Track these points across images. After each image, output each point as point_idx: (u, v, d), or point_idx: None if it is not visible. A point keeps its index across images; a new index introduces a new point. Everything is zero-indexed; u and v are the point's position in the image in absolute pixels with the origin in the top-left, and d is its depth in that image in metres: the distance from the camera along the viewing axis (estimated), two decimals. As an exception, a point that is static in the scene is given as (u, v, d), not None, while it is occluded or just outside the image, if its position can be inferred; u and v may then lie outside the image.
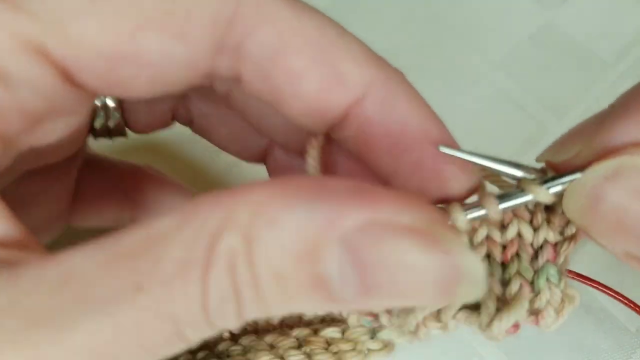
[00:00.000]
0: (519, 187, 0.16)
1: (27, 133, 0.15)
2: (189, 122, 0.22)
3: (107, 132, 0.21)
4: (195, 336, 0.12)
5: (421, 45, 0.37)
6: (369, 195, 0.12)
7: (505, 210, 0.16)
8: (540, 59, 0.36)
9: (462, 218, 0.15)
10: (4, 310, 0.12)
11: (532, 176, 0.16)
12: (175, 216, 0.12)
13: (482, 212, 0.15)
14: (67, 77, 0.14)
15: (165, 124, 0.22)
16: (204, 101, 0.21)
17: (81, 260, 0.12)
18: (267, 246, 0.12)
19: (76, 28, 0.13)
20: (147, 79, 0.14)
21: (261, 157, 0.22)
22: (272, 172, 0.22)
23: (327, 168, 0.18)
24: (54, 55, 0.13)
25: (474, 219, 0.15)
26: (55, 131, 0.15)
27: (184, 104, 0.22)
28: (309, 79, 0.15)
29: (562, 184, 0.15)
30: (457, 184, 0.16)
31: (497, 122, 0.34)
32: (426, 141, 0.16)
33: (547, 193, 0.15)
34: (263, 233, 0.12)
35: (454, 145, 0.17)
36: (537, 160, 0.17)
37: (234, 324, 0.13)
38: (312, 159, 0.17)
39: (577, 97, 0.35)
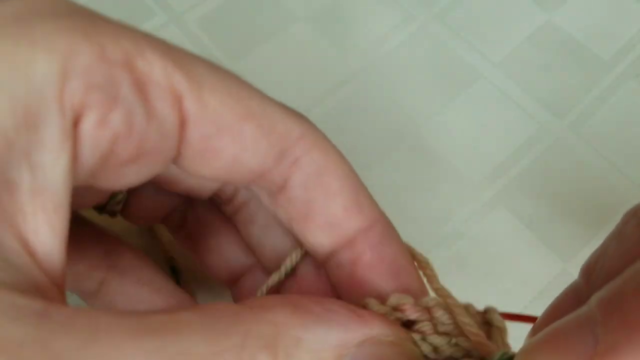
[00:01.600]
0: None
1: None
2: (177, 227, 0.23)
3: (102, 208, 0.22)
4: None
5: (421, 45, 0.37)
6: (362, 317, 0.16)
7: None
8: (540, 59, 0.36)
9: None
10: (29, 346, 0.12)
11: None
12: (196, 313, 0.13)
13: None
14: (181, 126, 0.15)
15: (155, 220, 0.23)
16: (205, 207, 0.23)
17: (108, 327, 0.12)
18: (291, 352, 0.14)
19: (208, 98, 0.15)
20: (235, 157, 0.16)
21: (234, 279, 0.23)
22: (237, 295, 0.23)
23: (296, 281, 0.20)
24: (184, 108, 0.15)
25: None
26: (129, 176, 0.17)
27: (184, 206, 0.23)
28: (340, 197, 0.17)
29: None
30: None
31: (497, 122, 0.34)
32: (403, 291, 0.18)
33: None
34: (289, 350, 0.14)
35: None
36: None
37: None
38: (285, 269, 0.20)
39: (577, 97, 0.35)
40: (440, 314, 0.17)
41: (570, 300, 0.15)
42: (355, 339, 0.16)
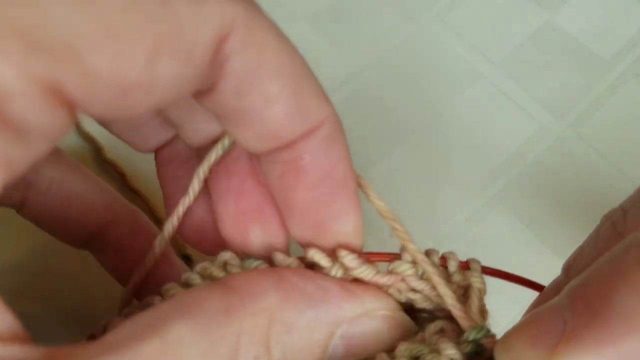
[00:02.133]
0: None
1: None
2: None
3: None
4: None
5: (421, 45, 0.37)
6: (355, 293, 0.16)
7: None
8: (540, 59, 0.36)
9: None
10: None
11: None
12: (188, 323, 0.13)
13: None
14: (73, 109, 0.13)
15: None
16: None
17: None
18: (286, 349, 0.14)
19: (92, 61, 0.12)
20: (154, 102, 0.14)
21: (156, 149, 0.22)
22: (160, 163, 0.21)
23: (224, 175, 0.19)
24: (68, 91, 0.12)
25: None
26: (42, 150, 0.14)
27: None
28: (279, 103, 0.15)
29: None
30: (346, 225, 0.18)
31: (497, 122, 0.34)
32: (344, 190, 0.17)
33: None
34: (281, 337, 0.14)
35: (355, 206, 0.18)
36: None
37: None
38: (207, 163, 0.18)
39: (577, 97, 0.35)
40: (416, 284, 0.17)
41: (552, 294, 0.16)
42: (347, 316, 0.16)
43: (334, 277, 0.17)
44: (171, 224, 0.19)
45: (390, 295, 0.18)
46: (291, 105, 0.15)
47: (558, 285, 0.20)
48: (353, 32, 0.38)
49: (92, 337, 0.17)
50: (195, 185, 0.18)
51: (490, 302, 0.29)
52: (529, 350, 0.15)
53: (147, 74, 0.13)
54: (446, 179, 0.33)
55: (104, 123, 0.21)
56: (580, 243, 0.22)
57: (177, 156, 0.21)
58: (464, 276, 0.19)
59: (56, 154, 0.22)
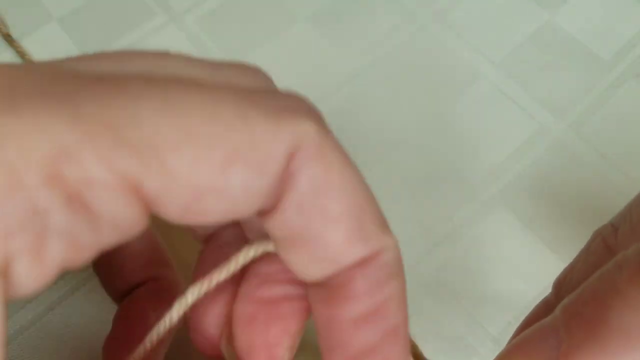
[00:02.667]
0: None
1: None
2: None
3: None
4: None
5: (421, 45, 0.37)
6: None
7: None
8: (540, 59, 0.36)
9: None
10: None
11: None
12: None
13: None
14: (148, 207, 0.13)
15: None
16: None
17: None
18: None
19: (171, 162, 0.13)
20: (224, 210, 0.14)
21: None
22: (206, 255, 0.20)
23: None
24: (145, 189, 0.13)
25: None
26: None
27: None
28: (341, 225, 0.15)
29: None
30: None
31: (497, 122, 0.34)
32: (394, 336, 0.16)
33: None
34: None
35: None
36: None
37: None
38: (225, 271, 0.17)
39: (578, 97, 0.35)
40: None
41: (542, 313, 0.16)
42: None
43: None
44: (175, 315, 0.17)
45: None
46: (353, 228, 0.15)
47: (547, 304, 0.20)
48: (353, 32, 0.38)
49: None
50: (203, 287, 0.17)
51: (487, 303, 0.29)
52: None
53: (220, 179, 0.13)
54: (446, 179, 0.33)
55: None
56: (580, 243, 0.22)
57: (225, 239, 0.20)
58: None
59: None
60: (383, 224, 0.16)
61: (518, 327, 0.21)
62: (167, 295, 0.22)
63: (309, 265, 0.15)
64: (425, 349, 0.28)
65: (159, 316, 0.17)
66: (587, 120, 0.34)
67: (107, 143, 0.12)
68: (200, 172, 0.13)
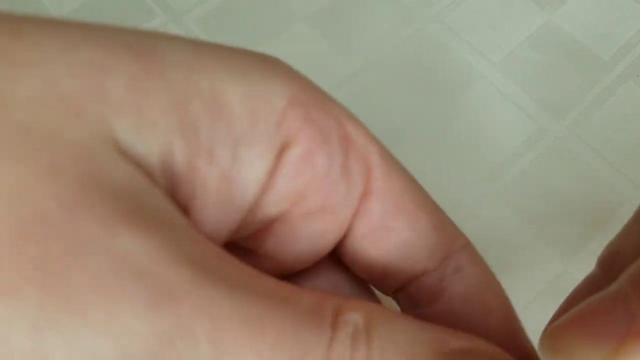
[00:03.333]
0: None
1: None
2: None
3: None
4: None
5: (421, 45, 0.37)
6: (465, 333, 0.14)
7: None
8: (540, 59, 0.36)
9: None
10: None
11: None
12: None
13: None
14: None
15: None
16: None
17: None
18: (385, 336, 0.12)
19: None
20: None
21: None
22: None
23: None
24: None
25: None
26: None
27: None
28: (494, 318, 0.15)
29: None
30: None
31: (497, 122, 0.34)
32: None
33: None
34: (382, 324, 0.12)
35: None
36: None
37: None
38: None
39: (577, 97, 0.35)
40: None
41: (587, 293, 0.15)
42: (453, 345, 0.13)
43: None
44: None
45: None
46: (505, 319, 0.15)
47: (592, 281, 0.18)
48: (353, 32, 0.38)
49: None
50: None
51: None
52: (589, 347, 0.13)
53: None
54: (445, 179, 0.33)
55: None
56: (580, 242, 0.22)
57: None
58: None
59: None
60: (446, 232, 0.16)
61: (558, 309, 0.19)
62: None
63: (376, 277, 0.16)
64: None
65: None
66: (586, 120, 0.34)
67: (364, 128, 0.16)
68: (405, 195, 0.15)
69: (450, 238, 0.15)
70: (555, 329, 0.14)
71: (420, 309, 0.16)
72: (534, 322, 0.18)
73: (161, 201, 0.11)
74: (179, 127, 0.12)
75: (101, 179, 0.11)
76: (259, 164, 0.13)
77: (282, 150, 0.13)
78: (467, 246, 0.15)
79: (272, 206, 0.14)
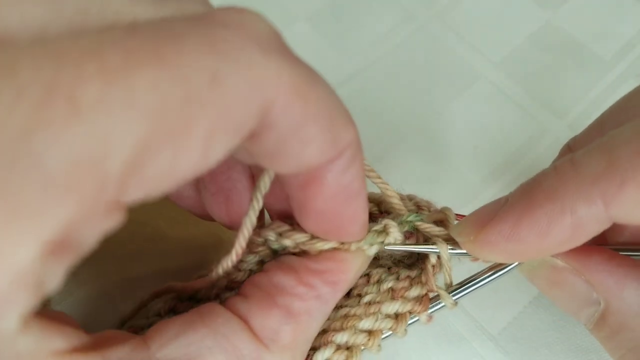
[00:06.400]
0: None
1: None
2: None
3: None
4: None
5: (421, 45, 0.37)
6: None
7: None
8: (540, 59, 0.36)
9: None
10: None
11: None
12: None
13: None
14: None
15: None
16: None
17: None
18: None
19: (153, 167, 0.14)
20: (204, 171, 0.15)
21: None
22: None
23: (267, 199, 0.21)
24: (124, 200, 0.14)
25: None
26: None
27: None
28: (315, 143, 0.16)
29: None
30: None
31: (497, 122, 0.34)
32: (358, 198, 0.19)
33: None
34: None
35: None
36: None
37: None
38: (260, 193, 0.20)
39: (577, 97, 0.35)
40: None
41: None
42: None
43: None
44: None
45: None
46: (325, 141, 0.16)
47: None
48: (353, 32, 0.38)
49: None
50: (255, 206, 0.20)
51: (487, 304, 0.29)
52: (468, 229, 0.20)
53: (202, 160, 0.14)
54: (446, 179, 0.33)
55: None
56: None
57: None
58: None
59: None
60: (347, 120, 0.18)
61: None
62: None
63: (288, 170, 0.17)
64: (425, 349, 0.28)
65: None
66: (587, 120, 0.34)
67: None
68: (183, 165, 0.14)
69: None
70: (465, 218, 0.21)
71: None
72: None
73: None
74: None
75: None
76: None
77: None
78: (280, 83, 0.15)
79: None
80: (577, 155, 0.18)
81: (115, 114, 0.12)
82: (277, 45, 0.16)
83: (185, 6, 0.15)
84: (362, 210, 0.19)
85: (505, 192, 0.32)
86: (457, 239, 0.21)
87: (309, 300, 0.19)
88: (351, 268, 0.20)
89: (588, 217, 0.18)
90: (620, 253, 0.21)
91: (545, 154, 0.33)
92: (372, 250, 0.21)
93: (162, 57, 0.13)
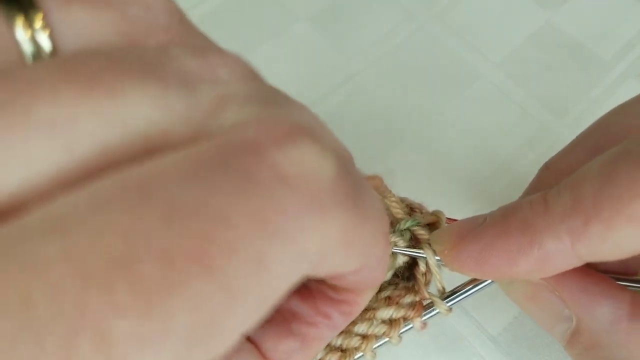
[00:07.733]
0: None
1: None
2: None
3: None
4: None
5: (421, 45, 0.37)
6: None
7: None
8: (540, 59, 0.36)
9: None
10: None
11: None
12: None
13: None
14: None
15: None
16: None
17: None
18: None
19: None
20: None
21: None
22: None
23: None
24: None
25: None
26: None
27: None
28: (353, 272, 0.16)
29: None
30: None
31: (497, 122, 0.34)
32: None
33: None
34: None
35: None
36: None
37: None
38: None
39: (577, 97, 0.35)
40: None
41: None
42: None
43: None
44: None
45: None
46: (358, 264, 0.15)
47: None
48: (353, 32, 0.38)
49: None
50: None
51: (487, 304, 0.29)
52: (445, 240, 0.21)
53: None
54: (446, 179, 0.33)
55: None
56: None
57: None
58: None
59: None
60: (382, 237, 0.16)
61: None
62: None
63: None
64: (425, 349, 0.28)
65: None
66: (587, 120, 0.34)
67: None
68: None
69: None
70: (446, 227, 0.22)
71: None
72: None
73: None
74: None
75: None
76: None
77: None
78: (327, 256, 0.14)
79: None
80: (549, 193, 0.19)
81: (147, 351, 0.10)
82: (334, 196, 0.12)
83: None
84: (384, 270, 0.19)
85: (505, 193, 0.32)
86: (434, 247, 0.22)
87: (323, 329, 0.19)
88: (366, 299, 0.20)
89: (555, 253, 0.18)
90: (618, 282, 0.21)
91: (546, 154, 0.33)
92: (387, 277, 0.22)
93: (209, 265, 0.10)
